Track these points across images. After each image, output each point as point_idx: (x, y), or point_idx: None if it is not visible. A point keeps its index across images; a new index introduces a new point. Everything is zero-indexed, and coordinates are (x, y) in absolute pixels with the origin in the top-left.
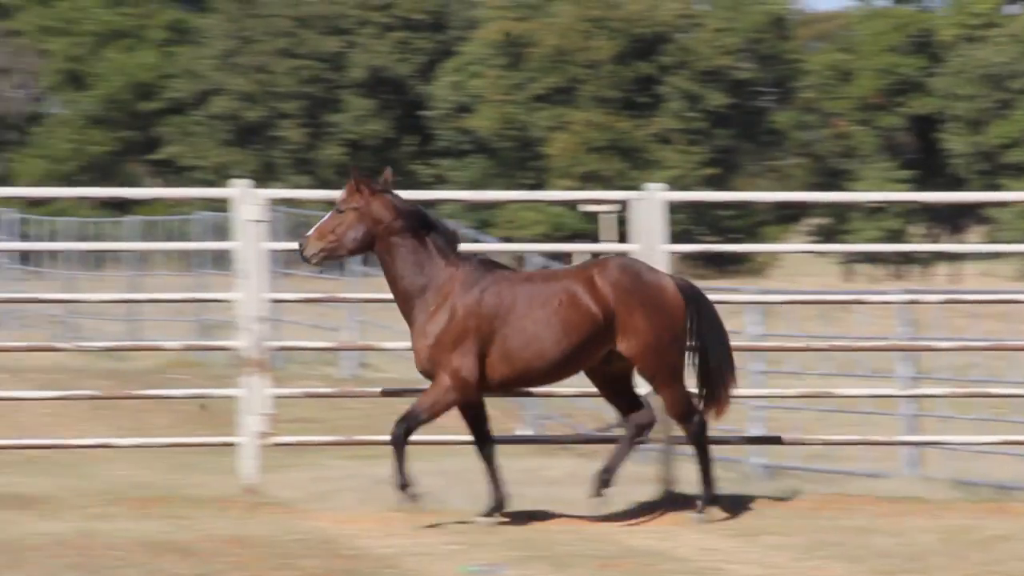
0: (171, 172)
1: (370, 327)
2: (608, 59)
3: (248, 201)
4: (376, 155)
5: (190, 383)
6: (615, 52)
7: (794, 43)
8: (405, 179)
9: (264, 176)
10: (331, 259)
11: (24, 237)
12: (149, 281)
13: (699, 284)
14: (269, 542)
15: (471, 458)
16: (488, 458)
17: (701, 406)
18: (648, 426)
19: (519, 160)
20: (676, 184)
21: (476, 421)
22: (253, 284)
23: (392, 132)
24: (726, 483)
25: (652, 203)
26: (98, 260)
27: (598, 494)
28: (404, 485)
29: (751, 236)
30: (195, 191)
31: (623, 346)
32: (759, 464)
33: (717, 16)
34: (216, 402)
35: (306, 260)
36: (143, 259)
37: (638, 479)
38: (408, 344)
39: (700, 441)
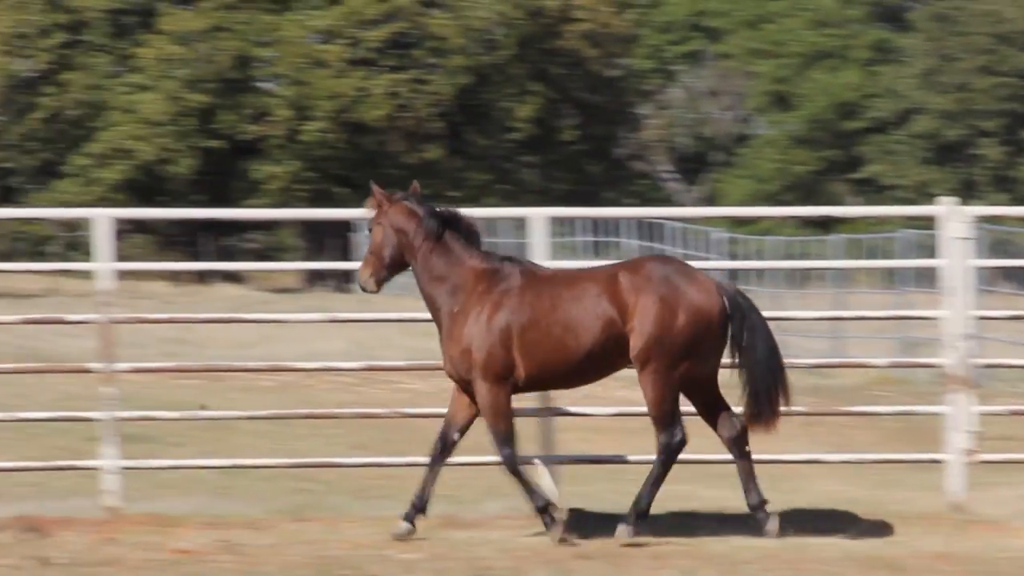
0: (872, 191)
1: None
2: None
3: (955, 219)
4: None
5: (894, 400)
6: None
7: None
8: None
9: (963, 194)
10: (383, 280)
11: (732, 256)
12: (853, 299)
13: None
14: (978, 559)
15: None
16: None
17: (745, 421)
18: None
19: None
20: None
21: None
22: (959, 301)
23: None
24: None
25: None
26: (803, 278)
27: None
28: (543, 507)
29: None
30: (898, 209)
31: (631, 337)
32: None
33: None
34: (920, 419)
35: (364, 290)
36: (847, 277)
37: None
38: None
39: (666, 457)
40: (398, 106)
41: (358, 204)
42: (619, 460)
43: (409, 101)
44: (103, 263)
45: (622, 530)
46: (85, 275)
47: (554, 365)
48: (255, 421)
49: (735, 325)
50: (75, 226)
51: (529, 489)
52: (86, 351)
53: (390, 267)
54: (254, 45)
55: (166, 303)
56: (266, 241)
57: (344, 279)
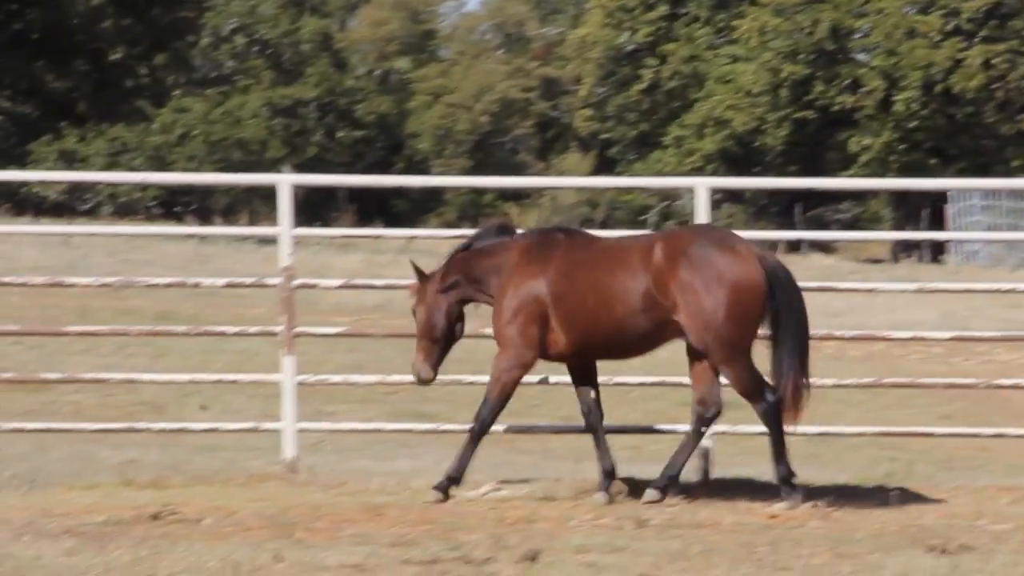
0: None
1: None
2: None
3: None
4: None
5: None
6: None
7: None
8: None
9: None
10: (438, 362)
11: None
12: None
13: None
14: None
15: None
16: (594, 431)
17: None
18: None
19: None
20: None
21: (583, 385)
22: None
23: None
24: None
25: None
26: None
27: (658, 492)
28: (455, 479)
29: None
30: None
31: (681, 319)
32: None
33: None
34: None
35: (420, 380)
36: None
37: None
38: None
39: (772, 420)
40: (993, 77)
41: (951, 175)
42: None
43: (1005, 72)
44: None
45: (789, 499)
46: None
47: (593, 335)
48: (845, 390)
49: (772, 299)
50: (670, 196)
51: (463, 461)
52: None
53: (443, 340)
54: (851, 16)
55: None
56: (858, 212)
57: (936, 250)
